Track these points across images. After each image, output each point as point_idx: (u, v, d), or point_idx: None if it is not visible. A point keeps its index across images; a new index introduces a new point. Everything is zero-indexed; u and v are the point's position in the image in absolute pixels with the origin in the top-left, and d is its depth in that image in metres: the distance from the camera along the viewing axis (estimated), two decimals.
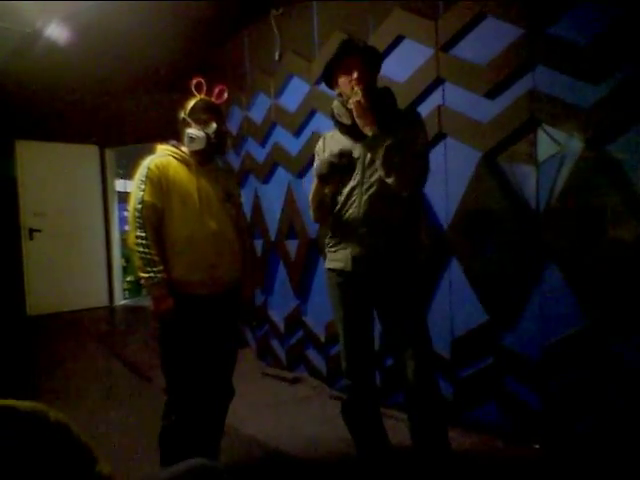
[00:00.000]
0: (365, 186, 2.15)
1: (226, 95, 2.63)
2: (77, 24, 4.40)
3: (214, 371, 2.53)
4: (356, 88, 2.09)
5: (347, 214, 2.20)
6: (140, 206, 2.35)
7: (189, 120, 2.47)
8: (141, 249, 2.32)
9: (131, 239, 2.37)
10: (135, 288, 8.00)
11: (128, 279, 8.01)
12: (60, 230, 6.80)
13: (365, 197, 2.15)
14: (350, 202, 2.19)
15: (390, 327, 2.25)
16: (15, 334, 5.82)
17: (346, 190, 2.21)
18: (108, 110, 6.76)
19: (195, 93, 2.53)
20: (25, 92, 5.88)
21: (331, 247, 2.31)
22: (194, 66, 4.25)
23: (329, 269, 2.33)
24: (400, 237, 2.15)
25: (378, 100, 2.13)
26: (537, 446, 2.68)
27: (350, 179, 2.19)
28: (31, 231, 6.63)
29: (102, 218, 7.26)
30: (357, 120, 2.10)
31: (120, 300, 7.52)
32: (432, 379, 2.20)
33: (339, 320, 2.33)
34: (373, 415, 2.38)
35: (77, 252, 6.93)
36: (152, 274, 2.31)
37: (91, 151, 7.13)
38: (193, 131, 2.44)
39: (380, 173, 2.09)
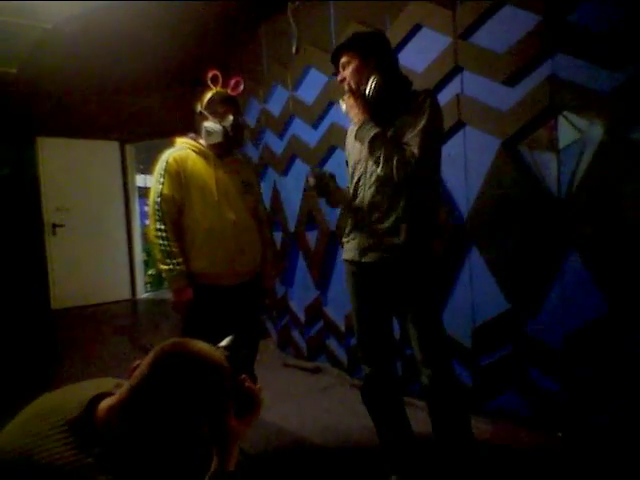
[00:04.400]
0: (368, 175, 2.14)
1: (242, 87, 2.63)
2: (96, 20, 4.43)
3: None
4: (345, 87, 2.23)
5: (355, 204, 2.19)
6: (159, 199, 2.38)
7: (206, 113, 2.48)
8: (161, 241, 2.36)
9: (151, 232, 2.40)
10: (157, 281, 8.08)
11: (150, 272, 8.09)
12: (82, 225, 6.87)
13: (369, 187, 2.13)
14: (358, 192, 2.18)
15: (402, 322, 2.24)
16: (40, 327, 5.91)
17: (354, 180, 2.22)
18: (128, 106, 6.80)
19: (211, 86, 2.54)
20: (45, 89, 5.95)
21: (345, 237, 2.31)
22: (212, 60, 4.27)
23: (344, 259, 2.33)
24: (411, 228, 2.08)
25: (385, 87, 2.10)
26: (559, 434, 2.67)
27: (359, 169, 2.19)
28: (54, 226, 6.72)
29: (123, 213, 7.32)
30: (349, 113, 2.20)
31: (142, 293, 7.59)
32: (448, 380, 2.15)
33: (353, 310, 2.32)
34: (393, 403, 2.38)
35: (99, 247, 7.00)
36: (172, 266, 2.34)
37: (111, 147, 7.19)
38: (210, 124, 2.45)
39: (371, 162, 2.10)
